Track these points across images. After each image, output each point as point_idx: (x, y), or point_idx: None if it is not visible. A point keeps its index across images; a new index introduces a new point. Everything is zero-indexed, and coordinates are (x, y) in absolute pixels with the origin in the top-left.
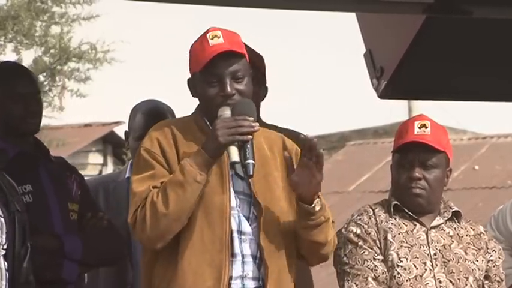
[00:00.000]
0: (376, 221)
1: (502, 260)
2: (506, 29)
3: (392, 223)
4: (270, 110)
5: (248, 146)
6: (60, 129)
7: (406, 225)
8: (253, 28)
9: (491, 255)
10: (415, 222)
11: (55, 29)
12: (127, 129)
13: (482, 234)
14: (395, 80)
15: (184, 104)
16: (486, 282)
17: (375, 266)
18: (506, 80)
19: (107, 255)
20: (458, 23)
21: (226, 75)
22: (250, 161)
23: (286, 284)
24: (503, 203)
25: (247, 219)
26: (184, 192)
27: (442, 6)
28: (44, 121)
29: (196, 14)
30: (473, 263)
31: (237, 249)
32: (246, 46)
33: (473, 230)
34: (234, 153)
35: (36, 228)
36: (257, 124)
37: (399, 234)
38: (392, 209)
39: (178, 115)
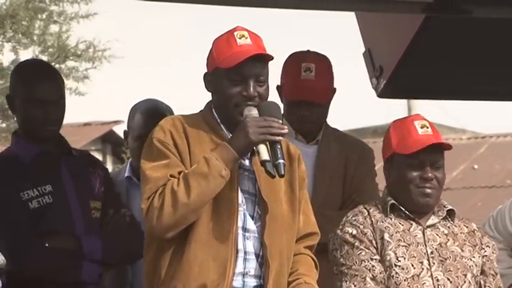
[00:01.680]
0: (372, 221)
1: (495, 255)
2: (505, 29)
3: (388, 222)
4: None
5: (279, 146)
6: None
7: (402, 225)
8: (252, 27)
9: (486, 251)
10: (411, 222)
11: (53, 28)
12: (126, 128)
13: (475, 231)
14: (395, 79)
15: (183, 103)
16: (481, 276)
17: (373, 266)
18: (506, 80)
19: (127, 254)
20: (457, 23)
21: (251, 77)
22: (282, 160)
23: (284, 284)
24: (503, 203)
25: (252, 217)
26: (208, 184)
27: (441, 5)
28: None
29: (194, 13)
30: (470, 259)
31: (240, 246)
32: None
33: (467, 227)
34: (264, 151)
35: (55, 229)
36: (285, 127)
37: (396, 233)
38: (388, 209)
39: (176, 114)
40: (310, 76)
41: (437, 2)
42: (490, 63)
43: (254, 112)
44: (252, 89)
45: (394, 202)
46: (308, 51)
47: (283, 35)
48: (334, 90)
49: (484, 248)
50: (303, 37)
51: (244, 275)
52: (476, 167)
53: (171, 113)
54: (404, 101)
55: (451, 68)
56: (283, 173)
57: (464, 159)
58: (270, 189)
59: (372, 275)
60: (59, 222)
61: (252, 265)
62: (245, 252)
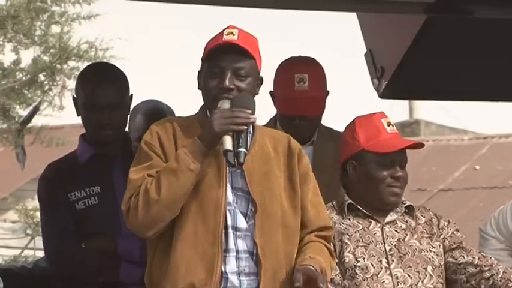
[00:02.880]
0: None
1: (456, 228)
2: (507, 29)
3: (347, 223)
4: (271, 113)
5: (242, 135)
6: (61, 128)
7: (361, 224)
8: (254, 28)
9: (447, 232)
10: (370, 220)
11: (55, 29)
12: (127, 129)
13: (432, 219)
14: (396, 80)
15: (184, 104)
16: (458, 251)
17: None
18: (507, 80)
19: None
20: (459, 23)
21: (228, 69)
22: (242, 149)
23: (284, 282)
24: (504, 203)
25: (245, 215)
26: (177, 180)
27: (443, 5)
28: (44, 120)
29: (199, 14)
30: (430, 251)
31: (231, 245)
32: None
33: (424, 217)
34: (227, 142)
35: (99, 230)
36: (254, 116)
37: (355, 233)
38: (346, 209)
39: (178, 115)
40: (303, 87)
41: (438, 2)
42: (492, 63)
43: (226, 105)
44: (227, 81)
45: (351, 202)
46: (299, 58)
47: (284, 34)
48: (328, 93)
49: (442, 232)
50: (305, 37)
51: (239, 273)
52: (477, 167)
53: (172, 114)
54: (405, 102)
55: (453, 69)
56: (242, 161)
57: (465, 160)
58: (266, 186)
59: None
60: (103, 223)
61: (246, 263)
62: (237, 251)
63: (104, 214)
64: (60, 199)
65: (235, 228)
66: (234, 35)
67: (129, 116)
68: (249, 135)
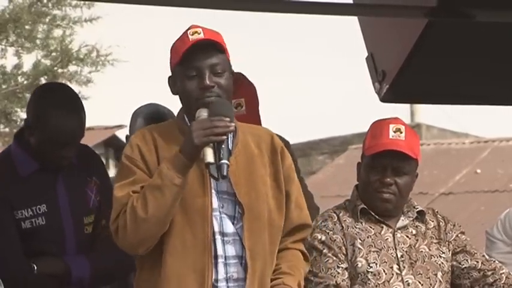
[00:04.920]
0: (342, 226)
1: (461, 231)
2: (508, 33)
3: (359, 228)
4: (272, 114)
5: (223, 146)
6: None
7: (373, 228)
8: (256, 32)
9: (451, 236)
10: (382, 225)
11: (56, 32)
12: (128, 133)
13: (440, 223)
14: (398, 83)
15: None
16: (462, 255)
17: (338, 273)
18: (509, 84)
19: (116, 272)
20: (460, 27)
21: (205, 68)
22: (224, 161)
23: (268, 282)
24: (506, 207)
25: (233, 218)
26: (163, 196)
27: (444, 9)
28: None
29: (199, 19)
30: (439, 257)
31: (219, 251)
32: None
33: (433, 221)
34: (208, 154)
35: (45, 250)
36: (233, 124)
37: (368, 238)
38: (359, 213)
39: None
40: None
41: (440, 6)
42: (494, 67)
43: (204, 114)
44: (207, 79)
45: (365, 207)
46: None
47: (286, 39)
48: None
49: (448, 238)
50: (306, 41)
51: (227, 280)
52: (479, 171)
53: (173, 117)
54: (407, 106)
55: (454, 73)
56: (225, 174)
57: (467, 164)
58: (252, 186)
59: (336, 281)
60: (50, 243)
61: (235, 269)
62: (225, 257)
63: (51, 234)
64: (6, 218)
65: (223, 234)
66: (199, 33)
67: (129, 120)
68: (230, 136)
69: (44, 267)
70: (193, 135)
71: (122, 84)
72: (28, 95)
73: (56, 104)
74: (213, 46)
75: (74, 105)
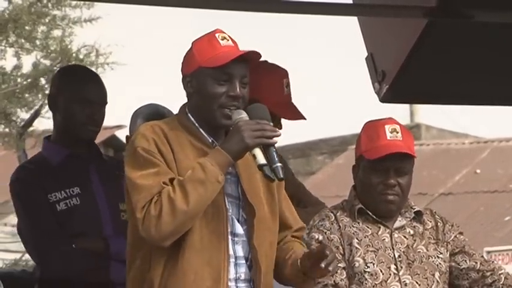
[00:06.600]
0: (339, 226)
1: (460, 231)
2: (507, 33)
3: (356, 228)
4: None
5: (274, 149)
6: None
7: (370, 228)
8: (256, 31)
9: (449, 236)
10: (379, 225)
11: (56, 33)
12: (128, 133)
13: (438, 223)
14: (397, 84)
15: None
16: (461, 255)
17: (336, 273)
18: (509, 84)
19: None
20: (459, 27)
21: (237, 77)
22: (279, 164)
23: (270, 284)
24: (505, 207)
25: (237, 221)
26: (206, 191)
27: (444, 10)
28: (46, 124)
29: (200, 20)
30: (437, 257)
31: (231, 251)
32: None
33: (431, 222)
34: (260, 156)
35: (83, 231)
36: (279, 130)
37: (365, 237)
38: (356, 213)
39: None
40: None
41: (439, 6)
42: (493, 67)
43: (244, 115)
44: (238, 89)
45: (362, 207)
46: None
47: (285, 38)
48: None
49: (446, 238)
50: (306, 41)
51: (236, 280)
52: (478, 171)
53: None
54: (406, 106)
55: (454, 73)
56: (282, 176)
57: (466, 164)
58: (253, 192)
59: (334, 281)
60: (87, 224)
61: (243, 270)
62: (236, 257)
63: (86, 215)
64: (41, 199)
65: (234, 234)
66: (228, 40)
67: (129, 120)
68: None
69: (82, 243)
70: (244, 135)
71: (122, 84)
72: (28, 96)
73: (81, 69)
74: (246, 58)
75: (94, 73)
